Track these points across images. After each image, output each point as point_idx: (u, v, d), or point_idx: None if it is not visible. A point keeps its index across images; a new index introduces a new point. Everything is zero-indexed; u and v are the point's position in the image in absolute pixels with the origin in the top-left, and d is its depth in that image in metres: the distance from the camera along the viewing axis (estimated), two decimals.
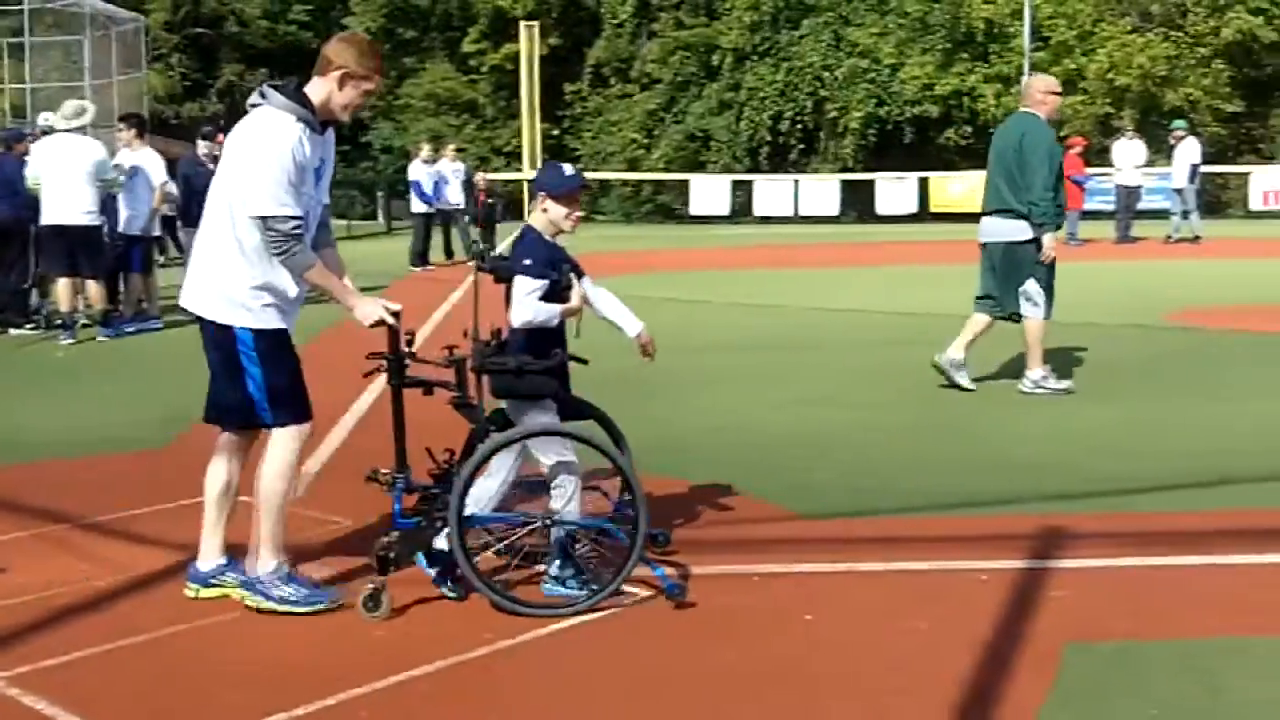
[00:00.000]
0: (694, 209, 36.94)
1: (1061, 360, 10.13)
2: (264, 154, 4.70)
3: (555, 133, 42.29)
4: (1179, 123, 26.20)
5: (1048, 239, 9.06)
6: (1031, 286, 9.18)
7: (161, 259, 22.49)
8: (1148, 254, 22.57)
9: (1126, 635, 4.55)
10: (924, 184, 35.10)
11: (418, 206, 23.08)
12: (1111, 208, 26.53)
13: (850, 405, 9.04)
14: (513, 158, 41.20)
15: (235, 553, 5.07)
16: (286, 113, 4.77)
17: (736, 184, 37.14)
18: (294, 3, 51.70)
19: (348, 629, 4.70)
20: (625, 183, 40.88)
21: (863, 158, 38.22)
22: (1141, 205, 26.22)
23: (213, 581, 5.05)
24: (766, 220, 35.49)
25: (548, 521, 4.95)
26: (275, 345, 4.90)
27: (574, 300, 5.12)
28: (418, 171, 23.24)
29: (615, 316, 5.33)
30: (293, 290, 4.90)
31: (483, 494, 4.96)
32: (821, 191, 36.07)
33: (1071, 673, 4.20)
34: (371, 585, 4.79)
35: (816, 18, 39.20)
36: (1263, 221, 31.45)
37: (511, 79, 41.05)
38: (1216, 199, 34.36)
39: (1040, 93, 9.44)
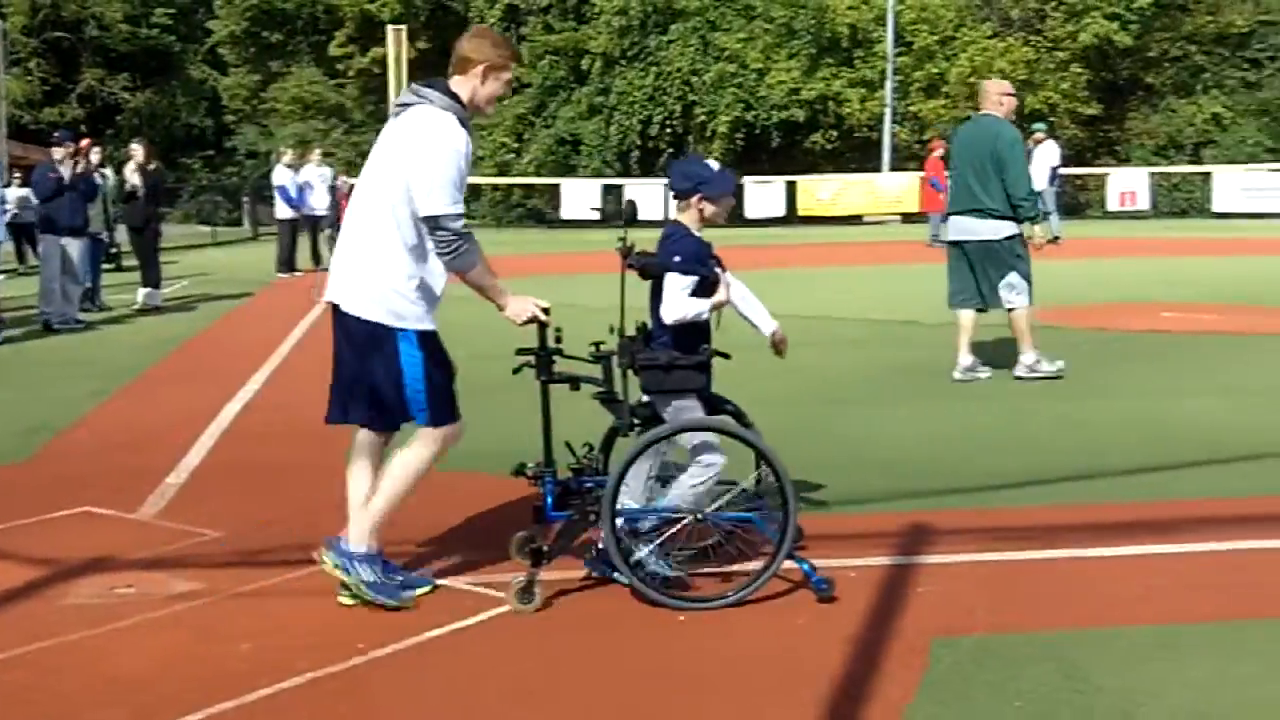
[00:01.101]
0: (565, 213, 36.90)
1: (933, 361, 10.32)
2: (435, 153, 4.74)
3: None
4: (1039, 126, 26.76)
5: (1039, 229, 9.91)
6: (1015, 279, 9.67)
7: (20, 267, 22.04)
8: None
9: (992, 628, 4.64)
10: (792, 187, 35.47)
11: (283, 212, 22.77)
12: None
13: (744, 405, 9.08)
14: None
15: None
16: (449, 112, 4.83)
17: (607, 188, 37.17)
18: (155, 6, 50.72)
19: (217, 641, 4.62)
20: (495, 187, 40.70)
21: (731, 161, 38.46)
22: None
23: (349, 568, 4.95)
24: (639, 225, 35.44)
25: (699, 516, 4.96)
26: (434, 346, 4.93)
27: (721, 294, 5.12)
28: (282, 176, 22.93)
29: (751, 314, 5.35)
30: (440, 289, 4.94)
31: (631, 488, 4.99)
32: None
33: (939, 666, 4.28)
34: (524, 578, 4.84)
35: (684, 23, 39.37)
36: (1120, 221, 32.34)
37: (379, 83, 40.61)
38: (1075, 200, 35.18)
39: (997, 95, 9.94)
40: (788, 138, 38.60)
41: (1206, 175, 35.09)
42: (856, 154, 37.71)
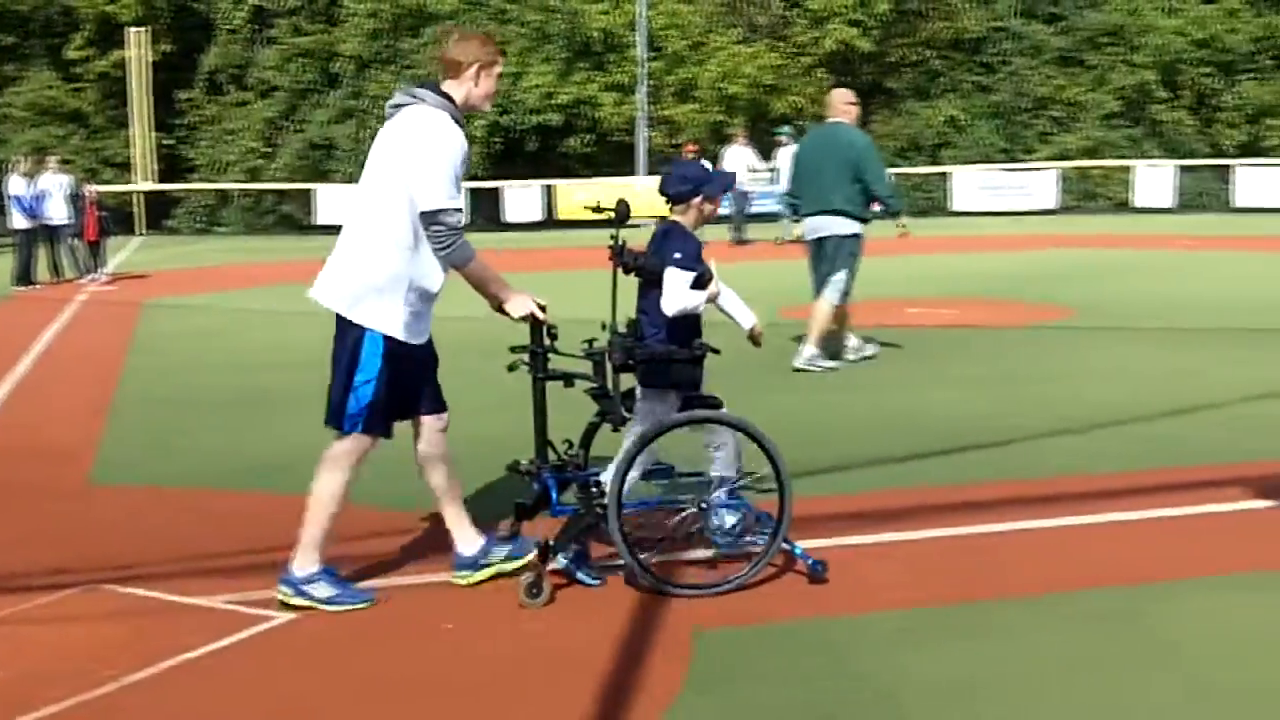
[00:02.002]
0: (320, 219, 36.25)
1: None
2: (433, 150, 4.85)
3: (169, 142, 40.66)
4: (784, 129, 27.45)
5: (905, 220, 10.78)
6: (841, 276, 10.45)
7: None
8: (760, 255, 23.53)
9: (755, 618, 4.75)
10: (549, 191, 35.58)
11: (19, 222, 21.81)
12: (727, 212, 27.56)
13: (488, 413, 9.06)
14: (123, 169, 39.40)
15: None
16: (444, 112, 4.96)
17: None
18: None
19: None
20: (246, 193, 39.72)
21: (489, 166, 38.38)
22: (752, 209, 27.36)
23: (482, 563, 5.14)
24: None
25: (701, 505, 5.12)
26: (397, 359, 4.94)
27: (714, 287, 5.26)
28: (17, 186, 21.97)
29: (732, 309, 5.51)
30: (436, 287, 5.00)
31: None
32: None
33: (704, 658, 4.36)
34: (532, 574, 4.92)
35: (437, 26, 39.08)
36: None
37: (120, 87, 39.26)
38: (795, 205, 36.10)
39: (844, 104, 10.77)
40: (544, 141, 38.68)
41: (945, 175, 36.55)
42: (613, 157, 38.03)
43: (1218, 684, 4.11)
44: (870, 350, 10.80)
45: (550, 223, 34.65)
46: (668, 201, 5.50)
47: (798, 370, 10.17)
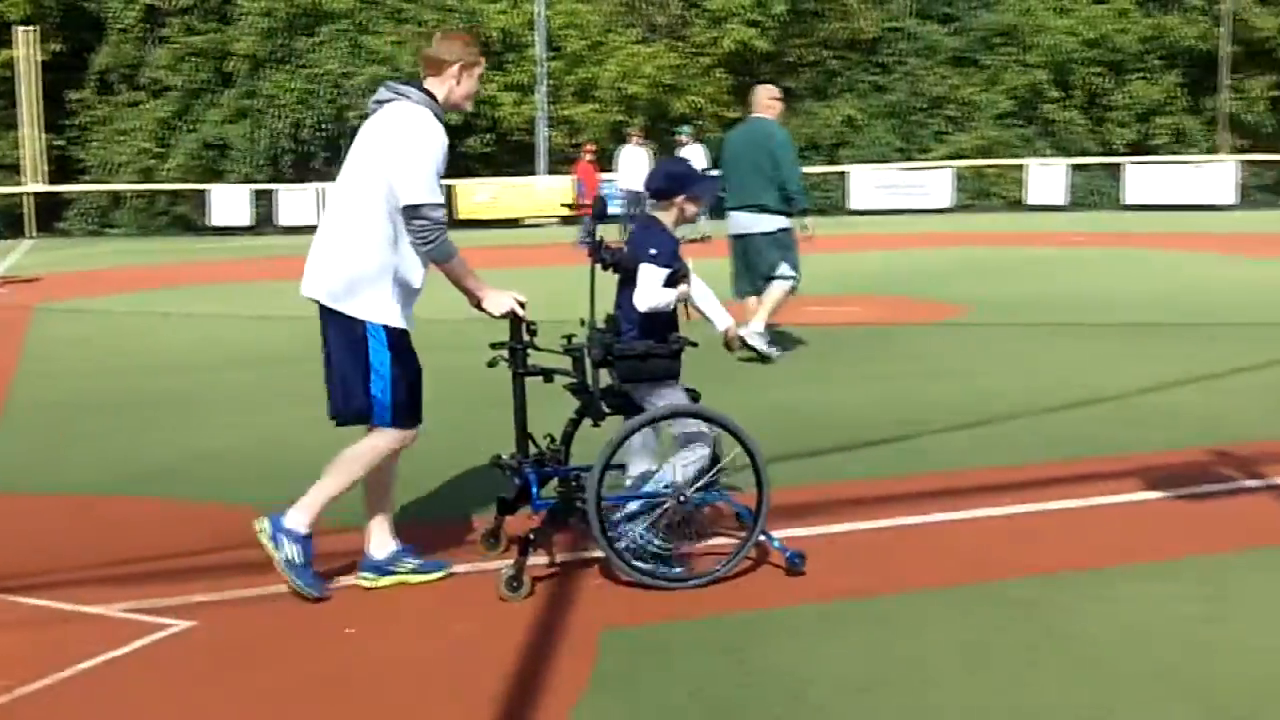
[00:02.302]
0: (214, 220, 35.80)
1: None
2: (415, 145, 4.88)
3: (60, 142, 39.90)
4: (684, 129, 27.55)
5: (810, 220, 10.97)
6: (785, 269, 10.77)
7: None
8: None
9: (660, 618, 4.76)
10: (450, 191, 35.40)
11: None
12: (616, 212, 27.47)
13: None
14: (12, 170, 38.58)
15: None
16: (426, 108, 5.01)
17: (258, 193, 36.27)
18: None
19: None
20: (139, 194, 39.09)
21: None
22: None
23: (388, 569, 5.17)
24: (292, 230, 34.77)
25: (680, 498, 5.12)
26: (403, 345, 5.03)
27: (684, 286, 5.33)
28: None
29: (708, 309, 5.56)
30: (417, 282, 5.05)
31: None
32: None
33: (608, 658, 4.36)
34: (512, 567, 4.95)
35: (334, 24, 38.77)
36: None
37: (9, 87, 38.44)
38: (720, 200, 36.27)
39: (767, 100, 11.09)
40: None
41: (843, 174, 36.90)
42: (513, 157, 37.96)
43: (1115, 672, 4.19)
44: (766, 348, 10.85)
45: (450, 222, 34.37)
46: (651, 197, 5.56)
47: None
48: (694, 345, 5.35)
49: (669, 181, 5.50)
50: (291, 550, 4.94)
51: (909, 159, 38.03)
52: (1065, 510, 6.13)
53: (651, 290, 5.22)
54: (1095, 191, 36.14)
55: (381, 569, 5.18)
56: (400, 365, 5.01)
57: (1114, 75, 39.85)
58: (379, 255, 4.92)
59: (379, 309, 4.95)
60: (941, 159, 37.58)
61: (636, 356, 5.22)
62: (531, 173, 36.43)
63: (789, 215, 10.76)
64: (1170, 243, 23.23)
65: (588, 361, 5.22)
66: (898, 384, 9.64)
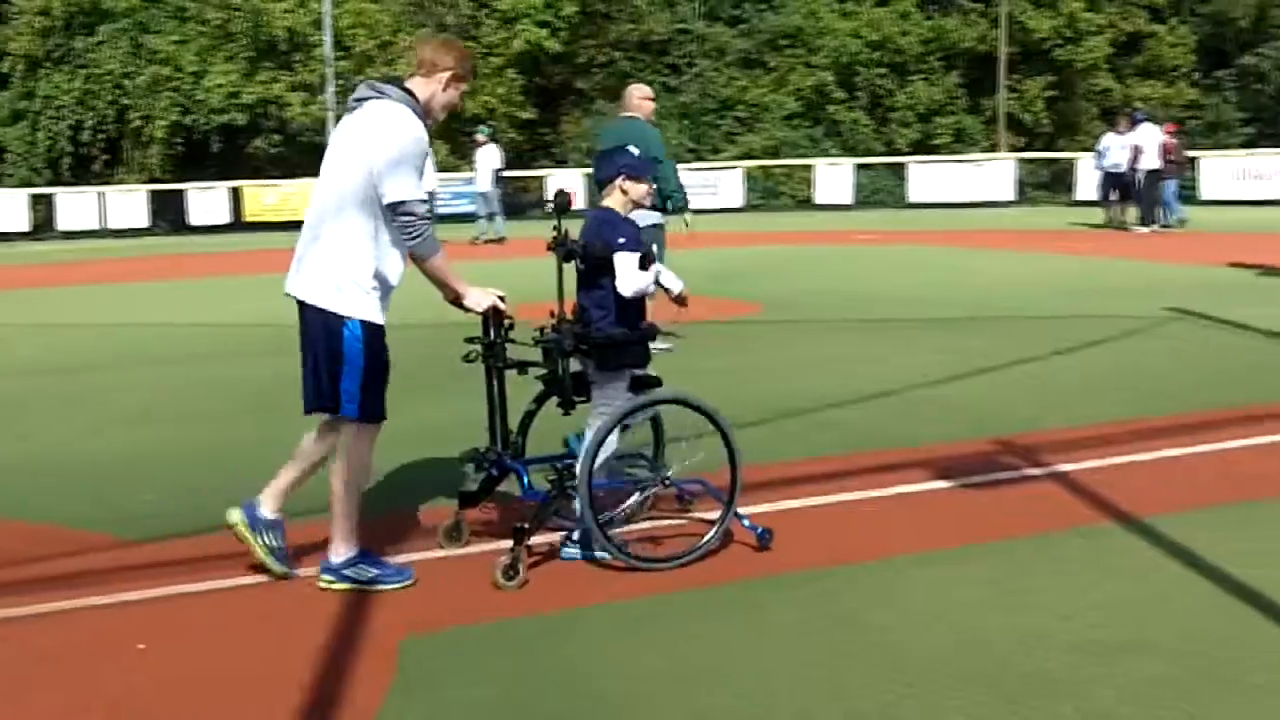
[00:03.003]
0: None
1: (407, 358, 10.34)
2: (397, 143, 4.93)
3: None
4: (482, 129, 27.42)
5: (689, 216, 11.16)
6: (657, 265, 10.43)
7: None
8: (455, 256, 23.43)
9: (461, 620, 4.74)
10: (236, 193, 34.62)
11: None
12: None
13: (175, 422, 8.78)
14: None
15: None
16: (407, 107, 5.03)
17: (36, 198, 34.95)
18: None
19: None
20: None
21: (172, 168, 37.13)
22: (445, 210, 27.18)
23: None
24: (71, 235, 33.59)
25: (666, 481, 5.47)
26: (378, 340, 5.08)
27: (656, 266, 5.45)
28: None
29: (667, 281, 5.67)
30: (395, 279, 5.11)
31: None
32: (129, 203, 34.62)
33: (410, 664, 4.32)
34: (508, 557, 5.06)
35: (114, 24, 37.57)
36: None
37: None
38: (518, 201, 36.29)
39: (638, 99, 11.01)
40: (230, 142, 37.66)
41: None
42: (301, 158, 37.29)
43: (904, 658, 4.31)
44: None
45: (238, 225, 33.67)
46: (598, 187, 5.72)
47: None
48: (669, 334, 5.57)
49: (610, 168, 5.64)
50: (365, 573, 5.10)
51: (701, 159, 38.48)
52: (855, 501, 6.29)
53: (632, 275, 5.33)
54: (880, 190, 37.04)
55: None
56: (374, 361, 5.07)
57: (897, 76, 40.96)
58: (362, 253, 4.99)
59: (360, 305, 5.01)
60: (732, 159, 38.12)
61: (613, 345, 5.39)
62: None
63: (664, 212, 10.82)
64: (953, 239, 23.97)
65: (561, 353, 5.36)
66: (693, 382, 9.69)
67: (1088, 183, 27.10)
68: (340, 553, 5.10)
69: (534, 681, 4.19)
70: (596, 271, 5.42)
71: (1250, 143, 37.92)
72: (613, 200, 5.63)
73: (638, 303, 5.48)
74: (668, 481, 5.48)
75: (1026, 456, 6.91)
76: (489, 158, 25.81)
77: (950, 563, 5.33)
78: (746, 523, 5.49)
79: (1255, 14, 41.09)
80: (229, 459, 7.52)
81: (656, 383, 5.57)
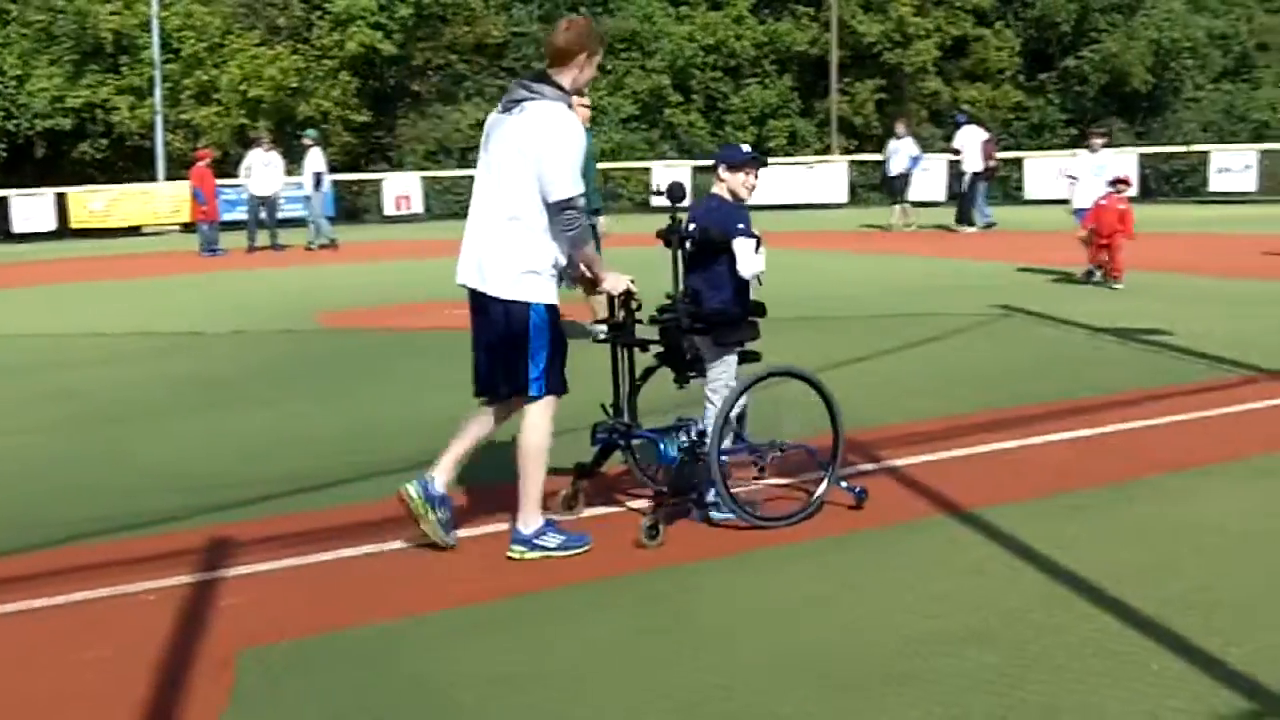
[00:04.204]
0: None
1: (220, 371, 10.16)
2: (565, 143, 5.33)
3: None
4: (310, 132, 26.99)
5: (603, 221, 11.50)
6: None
7: None
8: (291, 261, 23.12)
9: (301, 633, 4.67)
10: (62, 199, 33.58)
11: None
12: (242, 217, 26.67)
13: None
14: None
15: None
16: (563, 105, 5.39)
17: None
18: None
19: None
20: None
21: None
22: (281, 214, 26.62)
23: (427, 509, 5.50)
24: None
25: (780, 448, 6.01)
26: (556, 319, 5.47)
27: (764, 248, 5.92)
28: None
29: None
30: (562, 262, 5.51)
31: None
32: None
33: (248, 678, 4.25)
34: (651, 518, 5.56)
35: None
36: (396, 225, 33.32)
37: None
38: (353, 205, 35.86)
39: (574, 105, 10.91)
40: (54, 147, 36.57)
41: (473, 179, 36.81)
42: (130, 163, 36.39)
43: (739, 654, 4.37)
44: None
45: (64, 232, 32.65)
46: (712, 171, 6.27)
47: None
48: (764, 313, 6.08)
49: (710, 161, 6.24)
50: (552, 540, 5.46)
51: None
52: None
53: (751, 258, 5.85)
54: None
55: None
56: (557, 339, 5.47)
57: (732, 80, 41.39)
58: (539, 244, 5.38)
59: (542, 291, 5.41)
60: None
61: (730, 322, 5.92)
62: (151, 179, 34.97)
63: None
64: (787, 241, 24.27)
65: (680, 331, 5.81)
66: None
67: (917, 184, 27.68)
68: (530, 524, 5.44)
69: (377, 691, 4.14)
70: (710, 255, 5.90)
71: (1073, 143, 39.11)
72: (719, 189, 6.14)
73: (746, 284, 5.95)
74: (784, 447, 6.01)
75: (861, 452, 7.03)
76: (312, 162, 25.37)
77: (785, 560, 5.41)
78: (844, 485, 6.00)
79: (1076, 18, 42.37)
80: (50, 471, 7.32)
81: (757, 358, 6.07)
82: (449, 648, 4.51)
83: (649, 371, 6.07)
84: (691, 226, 5.97)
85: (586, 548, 5.50)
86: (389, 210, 35.06)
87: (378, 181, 36.13)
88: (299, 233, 26.04)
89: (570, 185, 5.31)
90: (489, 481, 6.32)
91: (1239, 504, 6.09)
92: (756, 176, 6.22)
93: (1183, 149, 35.75)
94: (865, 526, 5.83)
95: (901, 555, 5.43)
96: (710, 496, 5.74)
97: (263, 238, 25.42)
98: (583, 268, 5.60)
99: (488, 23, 39.62)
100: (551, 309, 5.44)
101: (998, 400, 8.53)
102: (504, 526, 5.80)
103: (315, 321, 13.74)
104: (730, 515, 5.69)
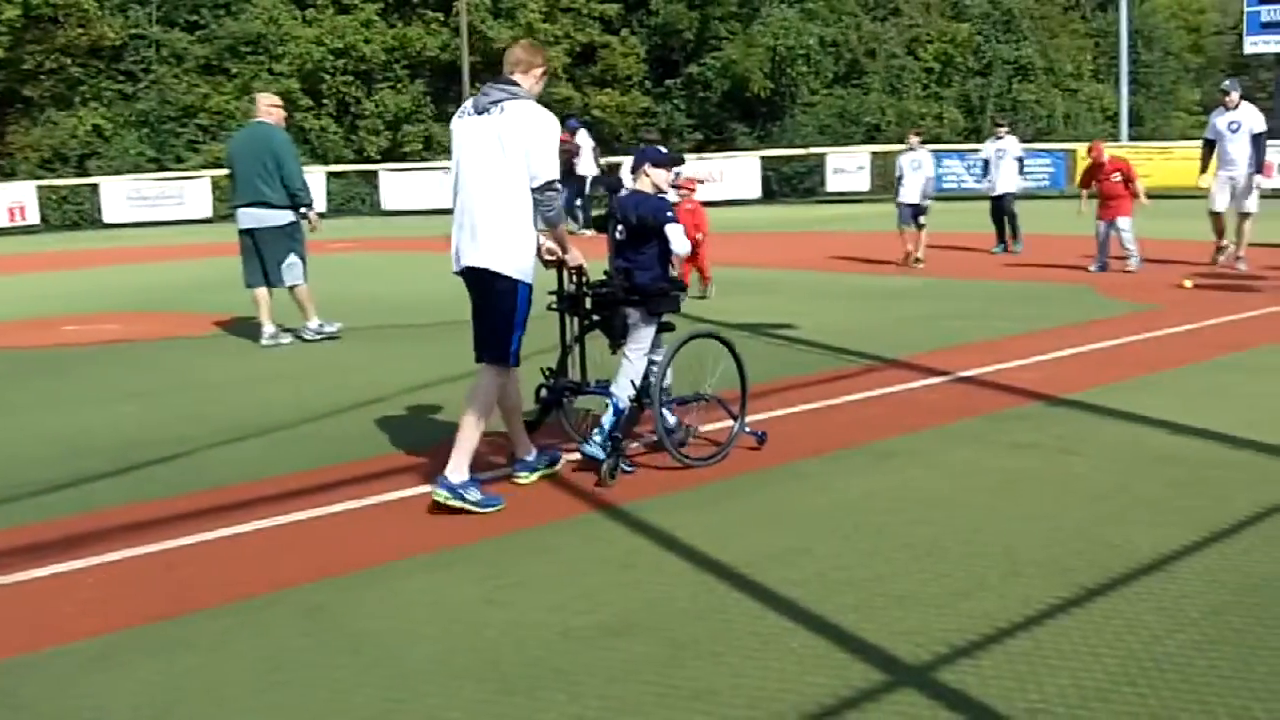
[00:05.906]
0: None
1: None
2: (548, 134, 6.09)
3: None
4: None
5: (314, 215, 12.19)
6: (293, 259, 11.92)
7: None
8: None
9: None
10: None
11: None
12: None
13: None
14: None
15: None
16: (534, 100, 6.18)
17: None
18: None
19: None
20: None
21: None
22: None
23: (538, 467, 6.63)
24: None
25: (705, 398, 7.11)
26: (530, 297, 6.22)
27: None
28: None
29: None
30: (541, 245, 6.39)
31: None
32: None
33: None
34: (611, 461, 6.47)
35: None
36: (11, 237, 31.45)
37: None
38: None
39: (267, 106, 12.24)
40: None
41: (95, 186, 35.14)
42: None
43: (404, 664, 4.33)
44: (286, 339, 11.94)
45: None
46: (631, 172, 7.19)
47: (305, 340, 12.00)
48: (683, 288, 7.08)
49: (640, 159, 7.01)
50: (473, 495, 5.99)
51: (163, 169, 36.98)
52: (348, 511, 6.26)
53: (682, 240, 6.77)
54: (354, 198, 36.89)
55: (531, 468, 6.61)
56: (527, 313, 6.21)
57: (363, 84, 40.88)
58: (527, 227, 6.11)
59: (527, 269, 6.15)
60: (198, 168, 36.86)
61: (662, 294, 6.76)
62: None
63: (294, 209, 11.84)
64: (427, 246, 24.18)
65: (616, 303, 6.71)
66: (166, 400, 9.38)
67: None
68: (458, 475, 6.00)
69: None
70: (641, 238, 6.78)
71: (699, 147, 40.44)
72: (641, 184, 6.96)
73: (669, 263, 6.89)
74: (708, 399, 7.09)
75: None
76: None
77: (443, 565, 5.40)
78: (748, 430, 7.08)
79: (698, 26, 43.74)
80: None
81: (672, 328, 6.96)
82: (89, 679, 4.29)
83: (583, 335, 6.94)
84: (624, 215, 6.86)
85: (498, 508, 6.03)
86: (2, 221, 33.05)
87: None
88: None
89: (553, 169, 6.06)
90: (55, 516, 6.05)
91: (868, 485, 6.44)
92: (676, 173, 7.22)
93: (801, 152, 37.48)
94: (521, 527, 5.88)
95: (556, 552, 5.51)
96: (602, 433, 6.57)
97: None
98: (553, 243, 6.40)
99: (103, 25, 37.84)
100: (530, 288, 6.17)
101: None
102: (105, 558, 5.59)
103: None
104: (599, 453, 6.50)
